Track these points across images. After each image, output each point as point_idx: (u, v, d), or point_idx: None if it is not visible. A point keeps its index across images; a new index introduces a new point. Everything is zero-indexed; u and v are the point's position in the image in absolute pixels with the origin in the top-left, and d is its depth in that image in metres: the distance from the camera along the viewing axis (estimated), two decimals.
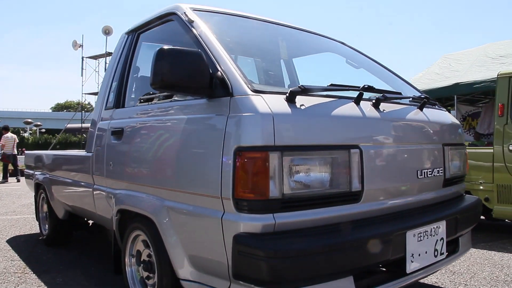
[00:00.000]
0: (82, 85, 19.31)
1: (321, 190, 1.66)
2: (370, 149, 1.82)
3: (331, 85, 1.87)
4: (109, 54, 18.91)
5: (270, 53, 3.00)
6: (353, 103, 1.88)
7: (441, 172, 2.24)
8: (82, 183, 3.01)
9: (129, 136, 2.35)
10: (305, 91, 1.69)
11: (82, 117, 20.02)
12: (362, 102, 1.90)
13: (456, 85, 6.87)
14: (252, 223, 1.53)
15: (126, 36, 2.84)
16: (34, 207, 5.83)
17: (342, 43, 3.09)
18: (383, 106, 1.99)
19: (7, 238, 4.34)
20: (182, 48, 1.73)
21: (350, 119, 1.82)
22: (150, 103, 2.32)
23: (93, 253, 3.77)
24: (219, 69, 1.79)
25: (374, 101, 1.96)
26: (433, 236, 1.98)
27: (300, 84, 1.71)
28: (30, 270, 3.22)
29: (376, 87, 2.00)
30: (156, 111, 2.20)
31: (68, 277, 3.03)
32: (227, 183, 1.58)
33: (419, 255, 1.90)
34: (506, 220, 4.33)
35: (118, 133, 2.46)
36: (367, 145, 1.81)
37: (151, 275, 2.23)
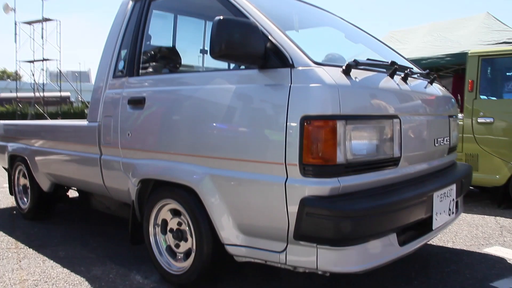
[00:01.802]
0: (16, 52, 17.91)
1: (372, 156, 1.80)
2: (405, 119, 1.98)
3: (368, 59, 1.99)
4: (45, 19, 17.57)
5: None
6: (388, 76, 2.01)
7: (447, 141, 2.47)
8: (84, 154, 2.91)
9: (157, 105, 2.31)
10: (358, 64, 1.80)
11: (16, 86, 18.66)
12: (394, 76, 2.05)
13: None
14: (320, 186, 1.63)
15: (133, 3, 2.73)
16: None
17: (341, 18, 3.20)
18: (409, 80, 2.16)
19: None
20: (239, 19, 1.76)
21: (392, 91, 1.97)
22: (174, 71, 2.29)
23: (82, 225, 3.67)
24: (272, 40, 1.83)
25: (403, 75, 2.12)
26: (448, 197, 2.22)
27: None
28: (23, 245, 3.09)
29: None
30: (192, 80, 2.19)
31: (69, 251, 2.95)
32: (293, 150, 1.67)
33: (440, 213, 2.13)
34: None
35: (137, 102, 2.41)
36: (403, 115, 1.97)
37: (180, 243, 2.27)
